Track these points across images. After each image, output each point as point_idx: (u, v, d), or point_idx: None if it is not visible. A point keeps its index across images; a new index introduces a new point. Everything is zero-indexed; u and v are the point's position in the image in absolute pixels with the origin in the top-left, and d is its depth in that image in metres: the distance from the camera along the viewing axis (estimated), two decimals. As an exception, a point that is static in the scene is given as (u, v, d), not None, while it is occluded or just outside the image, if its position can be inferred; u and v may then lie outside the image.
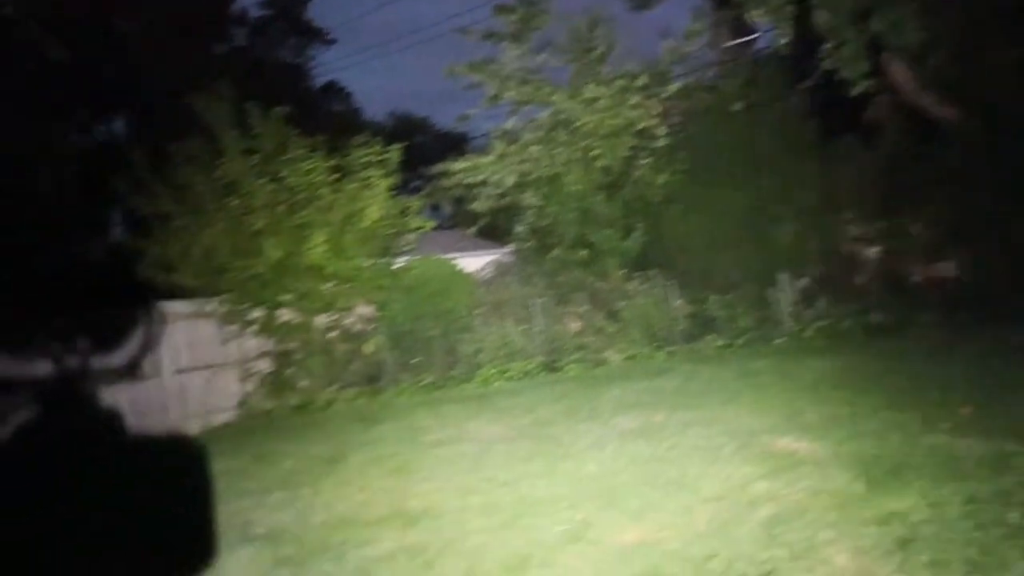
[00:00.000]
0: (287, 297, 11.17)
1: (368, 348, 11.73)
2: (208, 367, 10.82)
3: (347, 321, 11.79)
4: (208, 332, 10.89)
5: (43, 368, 9.36)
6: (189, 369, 10.64)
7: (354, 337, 11.79)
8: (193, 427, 10.45)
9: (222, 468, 7.90)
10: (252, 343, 11.21)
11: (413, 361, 11.84)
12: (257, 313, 11.13)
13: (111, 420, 9.58)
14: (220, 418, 10.77)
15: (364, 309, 11.97)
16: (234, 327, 11.03)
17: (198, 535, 5.69)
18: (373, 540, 5.05)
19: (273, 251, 10.76)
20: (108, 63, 20.62)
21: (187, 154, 11.05)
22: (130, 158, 10.93)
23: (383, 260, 12.13)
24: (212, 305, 10.88)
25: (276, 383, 11.14)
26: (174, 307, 10.66)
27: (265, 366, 11.24)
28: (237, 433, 10.12)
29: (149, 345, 10.27)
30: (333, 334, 11.64)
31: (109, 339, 10.07)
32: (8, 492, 7.00)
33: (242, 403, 11.03)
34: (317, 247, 10.88)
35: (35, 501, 6.74)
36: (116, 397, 9.77)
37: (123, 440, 9.54)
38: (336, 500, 6.19)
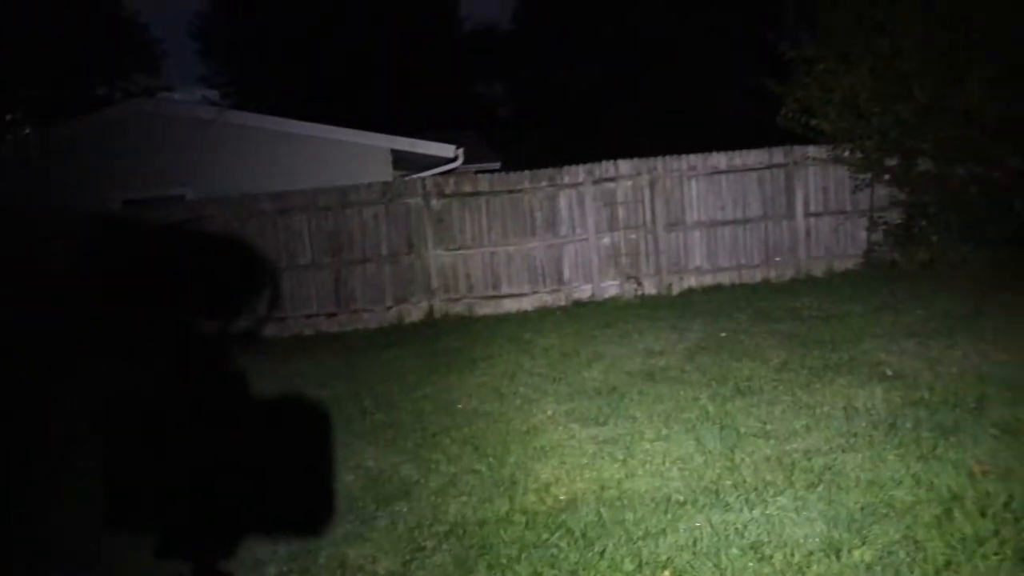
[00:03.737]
0: (927, 145, 10.52)
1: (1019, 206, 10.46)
2: (837, 213, 11.01)
3: (995, 175, 10.62)
4: (839, 178, 10.99)
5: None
6: (819, 213, 10.99)
7: (1000, 192, 10.60)
8: (817, 269, 10.90)
9: (845, 312, 8.23)
10: (883, 192, 10.96)
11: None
12: (893, 161, 10.77)
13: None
14: (843, 264, 10.98)
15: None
16: (866, 175, 10.89)
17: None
18: (1019, 402, 4.81)
19: (921, 94, 10.10)
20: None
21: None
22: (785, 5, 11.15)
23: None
24: (846, 152, 10.85)
25: (905, 236, 10.78)
26: (809, 152, 10.97)
27: (895, 217, 10.94)
28: (859, 280, 10.24)
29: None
30: (974, 188, 10.65)
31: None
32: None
33: (867, 252, 11.01)
34: (974, 90, 9.83)
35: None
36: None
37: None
38: (973, 356, 5.99)
